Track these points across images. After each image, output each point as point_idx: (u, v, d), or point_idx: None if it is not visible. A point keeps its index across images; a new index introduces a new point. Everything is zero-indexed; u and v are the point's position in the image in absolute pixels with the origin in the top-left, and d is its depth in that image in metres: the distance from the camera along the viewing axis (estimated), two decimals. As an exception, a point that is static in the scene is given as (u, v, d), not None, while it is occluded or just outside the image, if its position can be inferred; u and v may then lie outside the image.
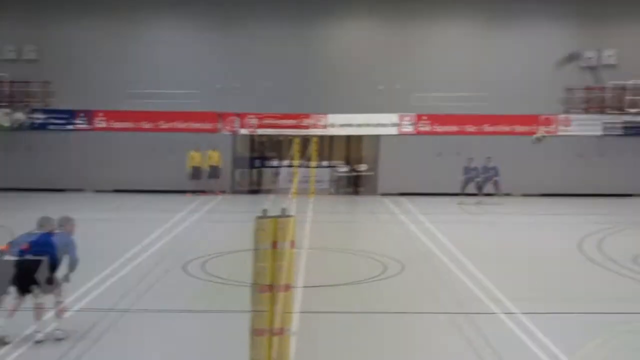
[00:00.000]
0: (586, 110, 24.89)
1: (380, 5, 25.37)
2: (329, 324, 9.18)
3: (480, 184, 22.30)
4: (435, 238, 15.59)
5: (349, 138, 26.42)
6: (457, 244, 14.69)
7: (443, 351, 8.22)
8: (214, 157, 24.18)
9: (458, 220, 19.21)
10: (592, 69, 24.64)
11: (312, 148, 23.63)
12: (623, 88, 24.35)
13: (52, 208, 15.12)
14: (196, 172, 24.04)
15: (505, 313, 9.55)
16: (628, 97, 24.37)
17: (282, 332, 5.90)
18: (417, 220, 18.41)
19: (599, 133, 24.73)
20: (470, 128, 24.96)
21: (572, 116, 24.84)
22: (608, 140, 24.68)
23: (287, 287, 5.81)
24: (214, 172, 24.10)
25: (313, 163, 24.32)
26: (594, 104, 24.80)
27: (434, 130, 24.96)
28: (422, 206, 21.26)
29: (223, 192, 24.31)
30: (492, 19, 25.16)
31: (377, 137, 25.17)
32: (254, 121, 24.93)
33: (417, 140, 24.84)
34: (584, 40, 24.85)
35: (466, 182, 22.33)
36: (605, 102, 24.61)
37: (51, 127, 24.83)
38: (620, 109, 24.42)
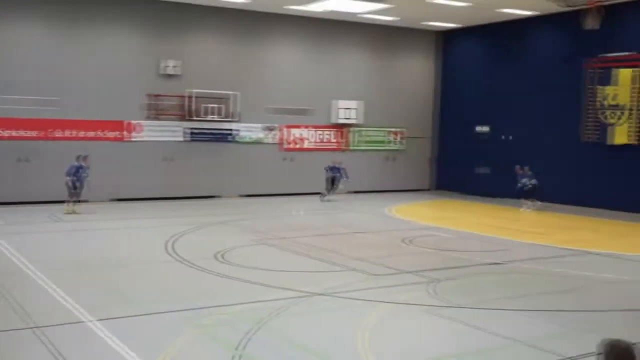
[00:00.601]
0: (165, 117, 25.92)
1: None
2: None
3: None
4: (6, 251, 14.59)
5: None
6: (29, 255, 13.97)
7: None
8: None
9: (35, 231, 18.27)
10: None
11: None
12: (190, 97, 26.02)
13: None
14: None
15: (79, 322, 9.35)
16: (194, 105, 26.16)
17: None
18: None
19: (183, 139, 26.22)
20: (57, 133, 24.02)
21: (155, 122, 25.69)
22: (193, 145, 26.38)
23: None
24: None
25: None
26: (175, 111, 25.98)
27: (20, 135, 23.41)
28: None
29: None
30: (65, 22, 24.42)
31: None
32: None
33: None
34: (160, 50, 25.77)
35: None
36: (185, 109, 25.97)
37: None
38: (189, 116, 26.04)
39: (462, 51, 31.19)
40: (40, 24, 23.81)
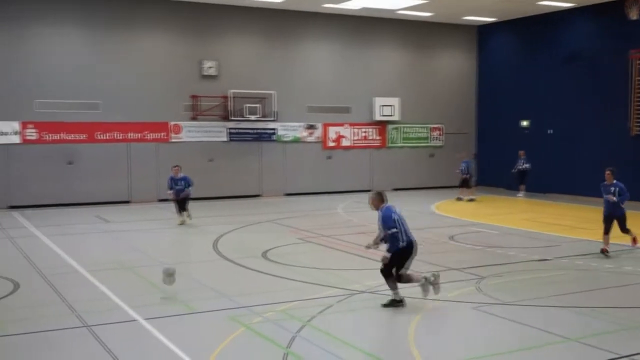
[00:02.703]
0: (207, 118, 26.18)
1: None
2: None
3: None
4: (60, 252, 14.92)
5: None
6: (79, 256, 14.25)
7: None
8: None
9: (84, 232, 18.62)
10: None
11: None
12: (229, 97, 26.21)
13: None
14: None
15: (130, 321, 9.52)
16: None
17: None
18: (36, 235, 17.45)
19: (225, 139, 26.49)
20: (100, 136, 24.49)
21: (198, 123, 25.97)
22: (234, 144, 26.67)
23: None
24: None
25: None
26: (217, 111, 26.22)
27: (62, 138, 23.89)
28: (61, 218, 20.38)
29: None
30: (105, 26, 24.72)
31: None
32: None
33: (31, 149, 23.54)
34: (200, 52, 26.02)
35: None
36: (225, 109, 26.21)
37: None
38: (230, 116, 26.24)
39: (499, 45, 30.84)
40: (82, 29, 24.29)
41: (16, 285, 11.68)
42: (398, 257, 10.17)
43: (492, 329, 9.42)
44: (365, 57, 29.18)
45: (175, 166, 19.86)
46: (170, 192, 19.54)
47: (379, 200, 10.47)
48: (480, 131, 31.78)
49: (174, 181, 19.47)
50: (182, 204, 19.35)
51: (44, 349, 8.41)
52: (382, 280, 10.36)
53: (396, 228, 10.09)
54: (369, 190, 27.92)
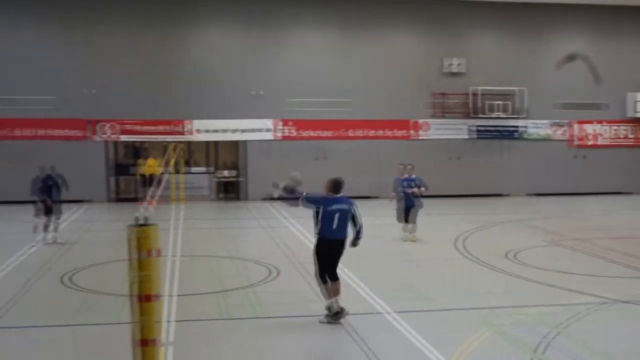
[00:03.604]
0: (450, 115, 26.04)
1: (246, 11, 25.18)
2: (207, 332, 9.03)
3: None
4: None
5: (216, 144, 26.11)
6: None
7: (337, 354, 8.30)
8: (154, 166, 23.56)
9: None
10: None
11: (181, 154, 23.46)
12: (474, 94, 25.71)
13: None
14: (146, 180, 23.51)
15: (378, 313, 9.78)
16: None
17: (154, 342, 5.77)
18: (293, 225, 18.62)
19: (468, 136, 26.21)
20: (349, 132, 25.52)
21: (440, 120, 25.97)
22: (478, 142, 26.28)
23: (156, 297, 5.69)
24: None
25: (185, 169, 24.34)
26: (460, 109, 26.02)
27: (309, 135, 25.29)
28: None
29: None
30: (352, 27, 25.65)
31: (245, 143, 25.20)
32: (124, 127, 24.28)
33: (283, 145, 25.10)
34: (443, 49, 25.94)
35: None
36: (469, 106, 25.90)
37: None
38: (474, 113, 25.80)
39: None
40: (333, 32, 25.50)
41: (270, 272, 12.58)
42: (315, 253, 9.25)
43: None
44: (619, 50, 27.04)
45: (406, 165, 16.53)
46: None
47: (328, 187, 9.34)
48: None
49: (406, 181, 16.05)
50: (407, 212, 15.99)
51: (299, 331, 8.96)
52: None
53: (315, 207, 9.09)
54: (624, 193, 26.00)
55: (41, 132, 23.77)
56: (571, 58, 23.35)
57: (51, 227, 15.79)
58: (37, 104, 23.62)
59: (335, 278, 9.24)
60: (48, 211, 15.60)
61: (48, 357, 8.07)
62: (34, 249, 14.96)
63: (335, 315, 9.10)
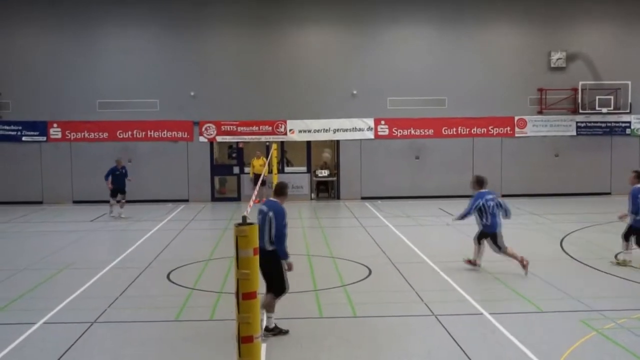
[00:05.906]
0: (555, 112, 25.28)
1: (341, 11, 25.24)
2: (330, 329, 9.23)
3: None
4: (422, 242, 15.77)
5: (309, 143, 26.20)
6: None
7: (435, 352, 8.35)
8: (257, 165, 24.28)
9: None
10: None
11: (280, 155, 24.04)
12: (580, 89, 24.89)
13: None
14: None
15: (475, 314, 9.71)
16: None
17: (256, 339, 5.98)
18: (400, 224, 18.65)
19: (573, 133, 25.40)
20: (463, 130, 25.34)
21: (544, 117, 25.27)
22: (583, 139, 25.44)
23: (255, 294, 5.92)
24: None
25: (287, 169, 24.93)
26: (565, 105, 25.22)
27: (411, 134, 25.21)
28: (408, 210, 21.67)
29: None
30: (453, 21, 25.32)
31: (337, 142, 25.38)
32: (227, 128, 24.96)
33: (383, 144, 25.12)
34: (549, 42, 25.21)
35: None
36: (575, 102, 25.07)
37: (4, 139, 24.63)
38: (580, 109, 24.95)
39: None
40: (428, 28, 25.32)
41: (370, 271, 12.69)
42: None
43: None
44: None
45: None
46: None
47: (275, 192, 9.04)
48: None
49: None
50: None
51: (401, 332, 9.01)
52: None
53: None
54: None
55: (151, 133, 24.81)
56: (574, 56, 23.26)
57: (117, 205, 20.41)
58: (144, 107, 24.65)
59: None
60: (114, 193, 20.31)
61: (148, 353, 8.51)
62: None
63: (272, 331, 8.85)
